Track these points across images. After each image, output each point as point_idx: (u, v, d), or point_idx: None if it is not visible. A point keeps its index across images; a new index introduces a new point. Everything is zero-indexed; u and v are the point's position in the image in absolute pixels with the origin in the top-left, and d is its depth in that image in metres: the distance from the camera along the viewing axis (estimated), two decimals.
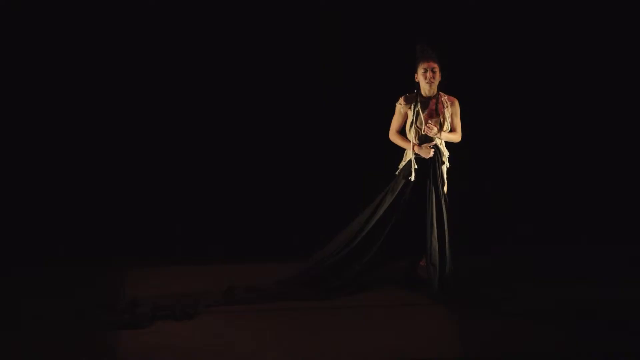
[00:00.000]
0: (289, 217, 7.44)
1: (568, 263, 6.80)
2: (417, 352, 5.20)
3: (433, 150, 6.11)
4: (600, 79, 7.66)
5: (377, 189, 6.29)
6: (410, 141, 6.17)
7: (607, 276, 6.47)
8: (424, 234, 6.11)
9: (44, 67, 7.30)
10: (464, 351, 5.20)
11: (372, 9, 7.45)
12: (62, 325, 5.56)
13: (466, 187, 7.15)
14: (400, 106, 6.20)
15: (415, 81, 6.18)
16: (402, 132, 6.26)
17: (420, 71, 6.11)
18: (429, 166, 6.12)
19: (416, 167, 6.12)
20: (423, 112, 6.14)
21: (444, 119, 6.15)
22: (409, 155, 6.19)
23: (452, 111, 6.20)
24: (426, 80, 6.09)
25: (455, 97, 6.23)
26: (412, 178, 6.12)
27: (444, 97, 6.19)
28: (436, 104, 6.16)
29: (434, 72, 6.09)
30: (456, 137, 6.23)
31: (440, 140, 6.17)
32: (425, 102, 6.16)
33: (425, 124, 6.09)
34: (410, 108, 6.16)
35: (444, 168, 6.22)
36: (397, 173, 6.25)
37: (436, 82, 6.12)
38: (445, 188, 6.22)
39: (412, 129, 6.17)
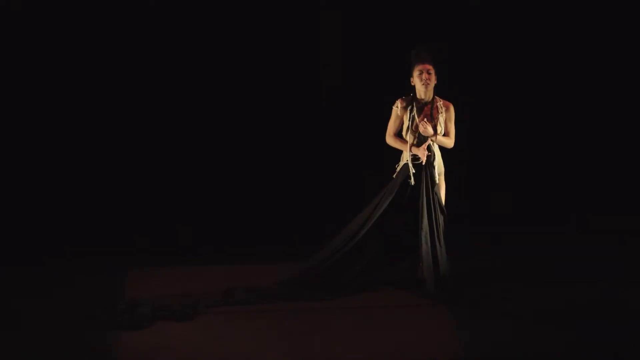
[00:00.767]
0: (289, 218, 7.45)
1: (568, 263, 6.80)
2: (417, 352, 5.20)
3: (427, 152, 6.11)
4: (599, 80, 7.67)
5: (377, 189, 6.29)
6: (407, 142, 6.17)
7: (607, 276, 6.47)
8: (418, 242, 6.12)
9: (44, 67, 7.31)
10: (464, 351, 5.19)
11: (372, 9, 7.45)
12: (62, 325, 5.55)
13: (466, 187, 7.16)
14: (397, 109, 6.20)
15: (411, 85, 6.17)
16: (398, 135, 6.25)
17: (415, 73, 6.11)
18: (421, 168, 6.12)
19: (414, 170, 6.13)
20: (418, 117, 6.13)
21: (438, 124, 6.15)
22: (405, 158, 6.18)
23: (446, 116, 6.19)
24: (422, 82, 6.09)
25: (452, 100, 6.22)
26: (412, 182, 6.12)
27: (440, 102, 6.19)
28: (431, 109, 6.15)
29: (429, 74, 6.08)
30: (449, 142, 6.22)
31: (433, 142, 6.15)
32: (420, 107, 6.16)
33: (420, 123, 6.09)
34: (406, 111, 6.16)
35: (436, 170, 6.20)
36: (394, 176, 6.25)
37: (432, 85, 6.12)
38: (443, 190, 6.22)
39: (409, 134, 6.17)
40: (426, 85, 6.10)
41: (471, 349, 5.22)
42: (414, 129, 6.15)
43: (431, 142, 6.14)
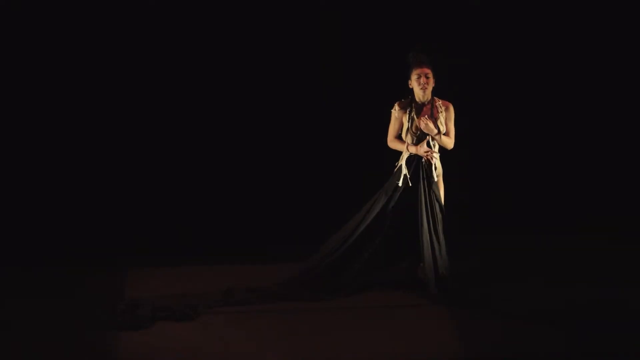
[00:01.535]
0: (289, 218, 7.44)
1: (568, 263, 6.80)
2: (417, 352, 5.20)
3: (427, 149, 6.10)
4: (598, 80, 7.67)
5: (377, 190, 6.29)
6: (405, 142, 6.17)
7: (607, 276, 6.47)
8: (417, 242, 6.12)
9: (44, 67, 7.31)
10: (464, 351, 5.19)
11: (372, 10, 7.45)
12: (62, 325, 5.56)
13: (466, 187, 7.16)
14: (395, 112, 6.20)
15: (409, 87, 6.17)
16: (399, 137, 6.25)
17: (413, 77, 6.11)
18: (420, 168, 6.12)
19: (406, 172, 6.13)
20: (418, 118, 6.13)
21: (439, 123, 6.14)
22: (404, 157, 6.18)
23: (446, 116, 6.18)
24: (420, 86, 6.09)
25: (451, 100, 6.22)
26: (400, 184, 6.13)
27: (439, 102, 6.19)
28: (431, 109, 6.15)
29: (427, 78, 6.08)
30: (449, 142, 6.21)
31: (434, 141, 6.15)
32: (419, 107, 6.16)
33: (421, 119, 6.09)
34: (405, 113, 6.16)
35: (435, 169, 6.20)
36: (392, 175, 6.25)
37: (430, 88, 6.12)
38: (442, 190, 6.22)
39: (408, 135, 6.17)
40: (424, 89, 6.10)
41: (471, 349, 5.22)
42: (414, 130, 6.15)
43: (430, 139, 6.13)
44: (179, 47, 7.41)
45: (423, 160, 6.12)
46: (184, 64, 7.44)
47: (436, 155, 6.17)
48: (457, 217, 6.38)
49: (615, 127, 7.77)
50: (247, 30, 7.46)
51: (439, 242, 6.10)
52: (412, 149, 6.13)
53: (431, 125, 6.07)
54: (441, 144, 6.19)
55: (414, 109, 6.16)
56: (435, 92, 6.15)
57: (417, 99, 6.17)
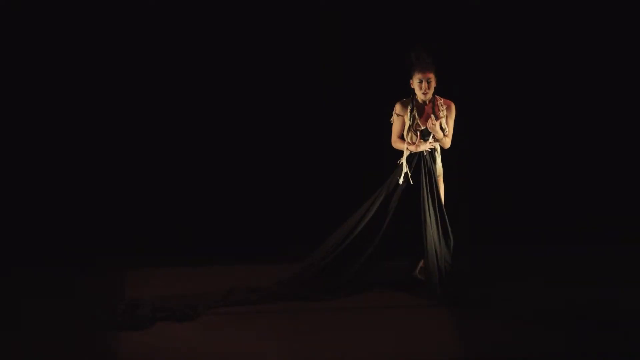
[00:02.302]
0: (289, 218, 7.44)
1: (568, 263, 6.80)
2: (417, 352, 5.20)
3: (429, 143, 6.09)
4: (598, 81, 7.66)
5: (378, 189, 6.29)
6: (405, 140, 6.17)
7: (607, 276, 6.47)
8: (420, 234, 6.11)
9: (44, 67, 7.30)
10: (464, 352, 5.19)
11: (372, 9, 7.45)
12: (62, 326, 5.56)
13: (466, 187, 7.15)
14: (396, 113, 6.19)
15: (410, 87, 6.17)
16: (402, 137, 6.24)
17: (415, 81, 6.11)
18: (422, 164, 6.11)
19: (406, 170, 6.13)
20: (420, 116, 6.13)
21: (441, 122, 6.14)
22: (405, 155, 6.18)
23: (447, 114, 6.18)
24: (422, 91, 6.09)
25: (452, 99, 6.22)
26: (401, 181, 6.13)
27: (440, 101, 6.19)
28: (432, 108, 6.15)
29: (429, 83, 6.08)
30: (447, 142, 6.22)
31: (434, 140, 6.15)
32: (421, 105, 6.16)
33: (423, 126, 6.09)
34: (406, 112, 6.16)
35: (438, 166, 6.20)
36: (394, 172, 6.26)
37: (431, 91, 6.12)
38: (442, 191, 6.22)
39: (410, 133, 6.17)
40: (425, 94, 6.10)
41: (471, 349, 5.22)
42: (415, 128, 6.15)
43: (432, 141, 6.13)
44: (179, 47, 7.40)
45: (425, 153, 6.12)
46: (183, 64, 7.43)
47: (437, 155, 6.18)
48: (456, 217, 6.37)
49: (616, 127, 7.76)
50: (247, 30, 7.45)
51: (439, 243, 6.10)
52: (412, 148, 6.13)
53: (438, 127, 6.07)
54: (440, 144, 6.19)
55: (415, 107, 6.16)
56: (436, 91, 6.15)
57: (418, 99, 6.17)
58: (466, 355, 5.16)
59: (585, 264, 6.78)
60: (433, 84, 6.10)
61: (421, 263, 6.27)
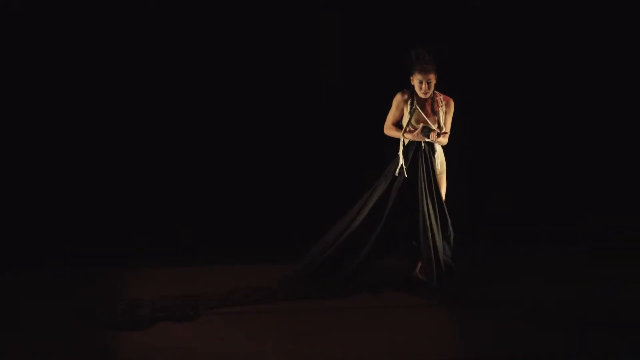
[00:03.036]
0: (288, 218, 7.44)
1: (568, 263, 6.80)
2: (417, 352, 5.20)
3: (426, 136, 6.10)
4: (598, 81, 7.66)
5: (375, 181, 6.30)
6: (401, 130, 6.18)
7: (607, 276, 6.47)
8: (418, 231, 6.11)
9: (44, 67, 7.30)
10: (464, 352, 5.20)
11: (372, 9, 7.45)
12: (62, 326, 5.56)
13: (466, 187, 7.15)
14: (397, 101, 6.19)
15: (411, 84, 6.18)
16: (397, 125, 6.25)
17: (415, 80, 6.12)
18: (420, 155, 6.12)
19: (402, 162, 6.14)
20: (421, 110, 6.14)
21: (439, 118, 6.15)
22: (401, 146, 6.19)
23: (446, 110, 6.19)
24: (422, 92, 6.10)
25: (452, 96, 6.23)
26: (397, 174, 6.14)
27: (440, 97, 6.20)
28: (432, 104, 6.17)
29: (429, 84, 6.09)
30: (444, 139, 6.22)
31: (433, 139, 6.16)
32: (421, 101, 6.17)
33: (424, 124, 6.09)
34: (407, 104, 6.17)
35: (437, 163, 6.20)
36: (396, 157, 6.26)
37: (431, 90, 6.13)
38: (444, 189, 6.23)
39: (408, 127, 6.16)
40: (425, 94, 6.11)
41: (471, 349, 5.23)
42: (414, 123, 6.15)
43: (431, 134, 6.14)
44: (179, 47, 7.41)
45: (423, 145, 6.12)
46: (184, 64, 7.43)
47: (440, 153, 6.18)
48: (456, 217, 6.37)
49: (616, 127, 7.76)
50: (247, 30, 7.45)
51: (440, 242, 6.10)
52: (409, 136, 6.13)
53: (443, 139, 6.08)
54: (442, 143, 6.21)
55: (415, 101, 6.16)
56: (436, 87, 6.16)
57: (418, 94, 6.18)
58: (466, 355, 5.17)
59: (585, 264, 6.79)
60: (433, 83, 6.11)
61: (422, 263, 6.27)
